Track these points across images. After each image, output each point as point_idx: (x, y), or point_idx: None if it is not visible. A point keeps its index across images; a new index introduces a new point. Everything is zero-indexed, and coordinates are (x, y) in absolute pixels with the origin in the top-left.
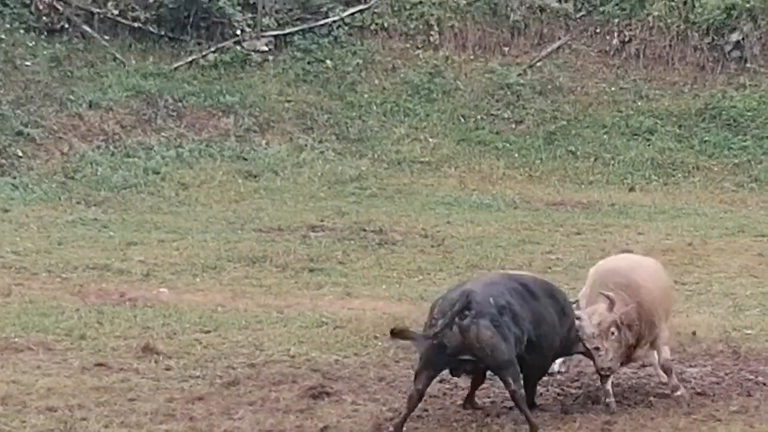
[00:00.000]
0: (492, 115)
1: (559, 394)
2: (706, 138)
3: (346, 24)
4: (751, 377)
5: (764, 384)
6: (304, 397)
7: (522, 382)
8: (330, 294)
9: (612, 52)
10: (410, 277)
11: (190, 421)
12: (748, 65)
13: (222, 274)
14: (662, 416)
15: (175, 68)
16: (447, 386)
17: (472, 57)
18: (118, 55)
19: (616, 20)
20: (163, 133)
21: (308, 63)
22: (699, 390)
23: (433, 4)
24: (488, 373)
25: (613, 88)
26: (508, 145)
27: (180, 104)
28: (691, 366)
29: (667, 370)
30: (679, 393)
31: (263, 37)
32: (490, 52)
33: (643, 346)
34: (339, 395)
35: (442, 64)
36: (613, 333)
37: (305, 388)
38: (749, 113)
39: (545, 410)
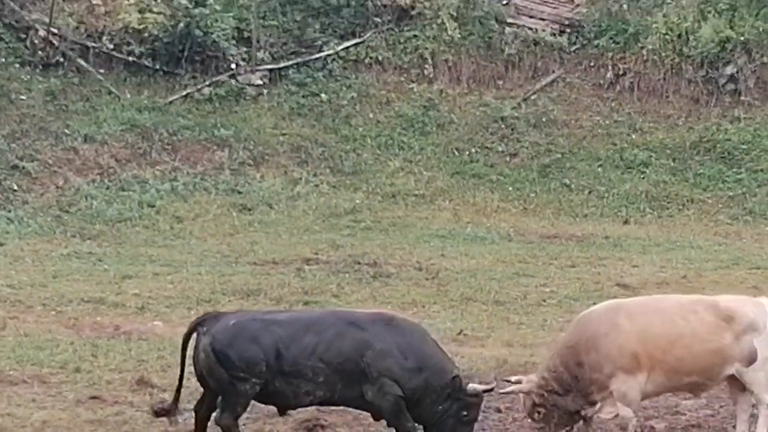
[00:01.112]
0: (486, 148)
1: None
2: (701, 171)
3: (340, 57)
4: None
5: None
6: (298, 429)
7: (230, 413)
8: None
9: (606, 86)
10: (404, 310)
11: None
12: (742, 98)
13: (216, 308)
14: None
15: (170, 102)
16: None
17: (466, 90)
18: (113, 89)
19: (610, 54)
20: (157, 167)
21: (303, 96)
22: (693, 422)
23: (428, 37)
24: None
25: (607, 122)
26: (502, 178)
27: (175, 138)
28: (685, 398)
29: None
30: None
31: (258, 70)
32: (485, 85)
33: (600, 402)
34: (333, 428)
35: (436, 98)
36: (538, 412)
37: (299, 420)
38: (744, 146)
39: None
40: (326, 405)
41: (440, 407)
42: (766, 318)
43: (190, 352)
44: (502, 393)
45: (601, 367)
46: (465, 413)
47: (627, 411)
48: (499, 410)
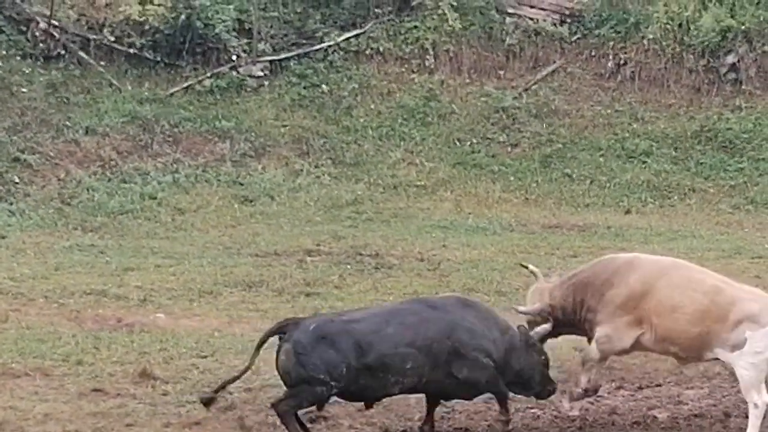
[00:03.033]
0: (488, 138)
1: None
2: (702, 160)
3: (341, 49)
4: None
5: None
6: (304, 421)
7: (291, 403)
8: None
9: (607, 75)
10: None
11: None
12: (743, 87)
13: (218, 299)
14: None
15: (171, 94)
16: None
17: (467, 81)
18: (114, 81)
19: (611, 43)
20: (159, 159)
21: (304, 88)
22: (696, 412)
23: (428, 28)
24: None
25: (608, 111)
26: (503, 168)
27: (176, 130)
28: (688, 388)
29: (583, 363)
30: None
31: (259, 62)
32: (486, 75)
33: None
34: (336, 419)
35: (437, 88)
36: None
37: (302, 412)
38: (745, 135)
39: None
40: (412, 392)
41: (526, 362)
42: None
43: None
44: (521, 311)
45: (596, 314)
46: (543, 357)
47: (596, 355)
48: None
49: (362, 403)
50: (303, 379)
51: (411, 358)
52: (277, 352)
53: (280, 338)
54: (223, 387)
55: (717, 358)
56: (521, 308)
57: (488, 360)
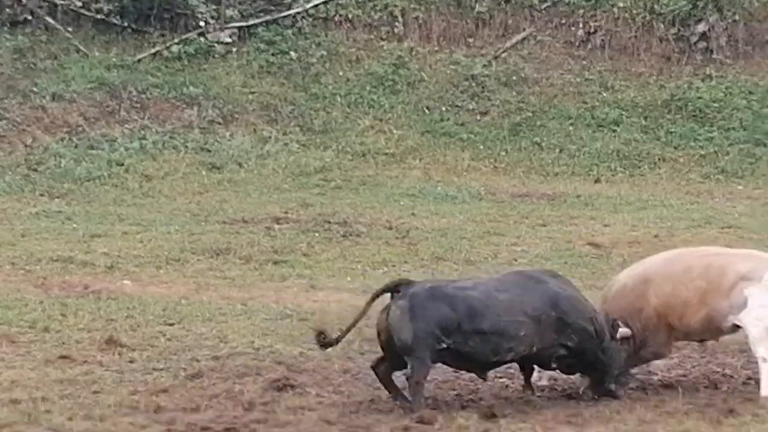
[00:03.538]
0: (457, 106)
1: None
2: (672, 129)
3: (310, 15)
4: (718, 370)
5: (731, 377)
6: (268, 389)
7: (421, 371)
8: (294, 286)
9: (577, 44)
10: (375, 269)
11: (154, 414)
12: (714, 56)
13: (186, 266)
14: (629, 409)
15: (139, 60)
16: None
17: (436, 48)
18: (81, 47)
19: (581, 11)
20: (126, 125)
21: (272, 54)
22: (666, 383)
23: None
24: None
25: (578, 80)
26: (473, 136)
27: (143, 96)
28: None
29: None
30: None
31: (227, 28)
32: (455, 43)
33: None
34: (303, 388)
35: (406, 56)
36: None
37: (269, 380)
38: (715, 104)
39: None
40: (522, 361)
41: (610, 341)
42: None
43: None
44: None
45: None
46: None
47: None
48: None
49: (473, 373)
50: (417, 336)
51: (523, 326)
52: (388, 310)
53: (392, 297)
54: (342, 337)
55: (738, 325)
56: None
57: (591, 331)
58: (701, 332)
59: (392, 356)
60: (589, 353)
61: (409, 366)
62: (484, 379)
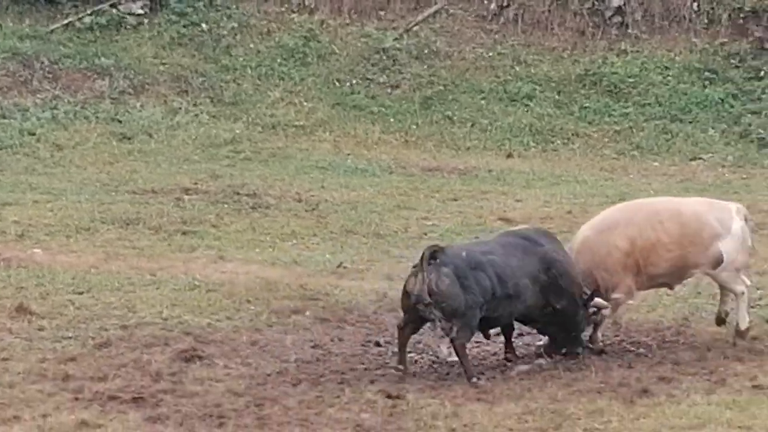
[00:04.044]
0: (367, 79)
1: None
2: (586, 104)
3: None
4: (633, 349)
5: (645, 356)
6: (175, 360)
7: (466, 334)
8: (203, 257)
9: (489, 17)
10: (283, 241)
11: (63, 382)
12: (629, 31)
13: (95, 236)
14: (540, 387)
15: (52, 31)
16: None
17: (347, 21)
18: None
19: None
20: (38, 95)
21: (183, 26)
22: (578, 361)
23: None
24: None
25: (490, 54)
26: (383, 109)
27: (56, 66)
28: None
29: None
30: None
31: (139, 0)
32: (366, 16)
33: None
34: (211, 358)
35: (317, 28)
36: None
37: (177, 351)
38: (630, 79)
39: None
40: (518, 321)
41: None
42: (731, 222)
43: None
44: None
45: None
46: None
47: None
48: (378, 344)
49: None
50: (468, 304)
51: (527, 289)
52: (426, 276)
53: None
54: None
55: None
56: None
57: (578, 294)
58: (667, 275)
59: (416, 320)
60: (570, 316)
61: (454, 331)
62: (488, 339)
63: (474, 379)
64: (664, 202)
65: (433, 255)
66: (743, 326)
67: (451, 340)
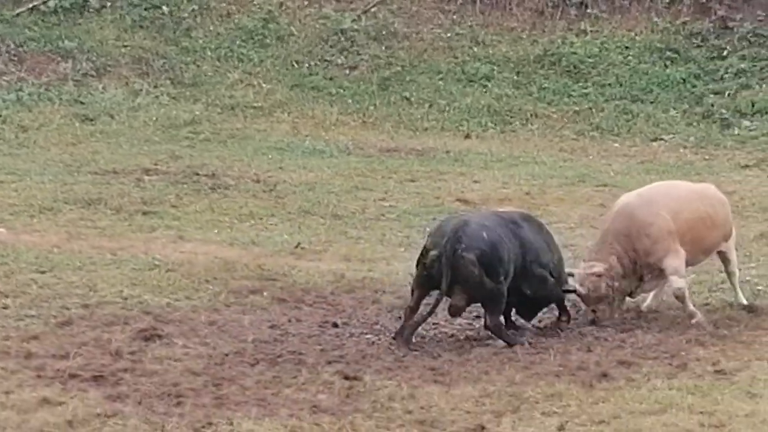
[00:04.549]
0: (326, 60)
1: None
2: (545, 85)
3: None
4: (592, 332)
5: (605, 339)
6: (135, 338)
7: (497, 315)
8: (163, 237)
9: None
10: (242, 222)
11: (25, 359)
12: (588, 11)
13: (58, 216)
14: (497, 370)
15: (17, 14)
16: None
17: (306, 3)
18: None
19: None
20: (3, 77)
21: (145, 9)
22: (538, 343)
23: None
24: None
25: (448, 34)
26: (341, 91)
27: (21, 49)
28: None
29: (680, 298)
30: (695, 320)
31: None
32: None
33: (649, 281)
34: (170, 338)
35: (276, 10)
36: (607, 296)
37: (137, 330)
38: (590, 60)
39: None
40: None
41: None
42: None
43: None
44: (590, 273)
45: (655, 251)
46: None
47: (682, 282)
48: (335, 325)
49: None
50: (496, 284)
51: (511, 266)
52: (453, 253)
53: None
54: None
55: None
56: (581, 289)
57: (551, 280)
58: (706, 252)
59: (429, 288)
60: (543, 300)
61: (488, 311)
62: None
63: (522, 341)
64: (691, 186)
65: (458, 239)
66: (743, 301)
67: (485, 326)
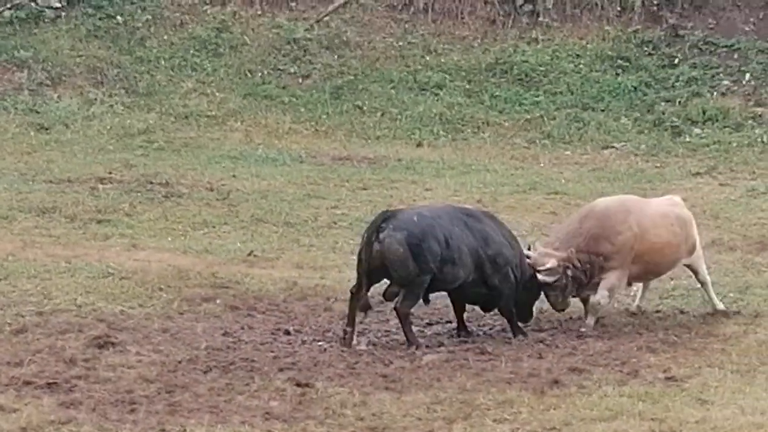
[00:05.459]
0: (279, 69)
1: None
2: (497, 93)
3: None
4: (544, 338)
5: (556, 346)
6: (89, 346)
7: (411, 302)
8: (117, 245)
9: (400, 7)
10: (195, 230)
11: None
12: (540, 19)
13: (13, 224)
14: (449, 377)
15: None
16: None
17: (259, 12)
18: None
19: None
20: None
21: (99, 19)
22: (489, 350)
23: None
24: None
25: (400, 43)
26: (294, 99)
27: None
28: (479, 326)
29: (592, 308)
30: (584, 329)
31: None
32: (278, 7)
33: (590, 287)
34: (123, 345)
35: (229, 20)
36: (560, 283)
37: (91, 337)
38: (542, 68)
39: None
40: (458, 290)
41: (527, 290)
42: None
43: None
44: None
45: (612, 259)
46: (537, 292)
47: (606, 299)
48: (288, 332)
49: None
50: (420, 271)
51: (467, 257)
52: (380, 240)
53: (378, 229)
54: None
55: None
56: (542, 275)
57: (512, 274)
58: (667, 267)
59: (370, 282)
60: (506, 296)
61: (400, 297)
62: (427, 303)
63: (414, 348)
64: (666, 202)
65: (386, 220)
66: (720, 307)
67: (395, 308)
